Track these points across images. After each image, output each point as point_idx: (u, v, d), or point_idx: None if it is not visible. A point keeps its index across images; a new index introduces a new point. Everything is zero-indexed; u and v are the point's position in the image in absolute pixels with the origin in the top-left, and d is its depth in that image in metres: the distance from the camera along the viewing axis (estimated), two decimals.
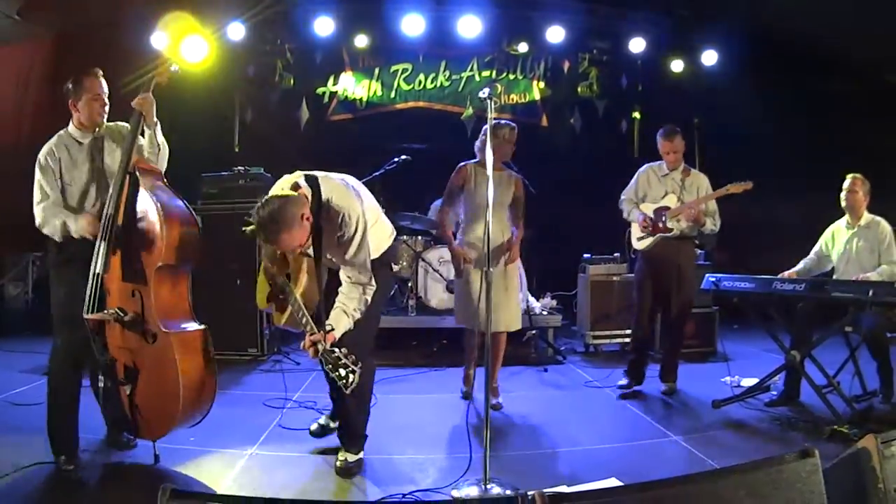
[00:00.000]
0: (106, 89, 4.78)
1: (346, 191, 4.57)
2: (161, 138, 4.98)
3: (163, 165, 5.01)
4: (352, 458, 4.82)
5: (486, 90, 4.98)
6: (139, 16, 9.57)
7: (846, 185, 6.78)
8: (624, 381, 7.01)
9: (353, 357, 4.04)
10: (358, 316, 4.47)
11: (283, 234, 4.11)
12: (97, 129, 4.80)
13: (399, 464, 5.01)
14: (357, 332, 4.54)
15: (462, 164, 6.55)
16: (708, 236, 7.97)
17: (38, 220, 4.64)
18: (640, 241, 7.03)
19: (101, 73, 4.77)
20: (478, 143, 6.48)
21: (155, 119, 4.86)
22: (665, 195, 6.92)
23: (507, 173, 6.49)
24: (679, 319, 6.97)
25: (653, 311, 7.09)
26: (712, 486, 2.39)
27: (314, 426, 5.41)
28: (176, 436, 4.80)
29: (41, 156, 4.65)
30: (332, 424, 5.36)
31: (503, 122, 6.47)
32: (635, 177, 7.19)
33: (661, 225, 6.83)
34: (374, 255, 4.71)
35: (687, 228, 6.80)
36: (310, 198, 4.36)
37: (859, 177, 6.75)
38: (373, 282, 4.56)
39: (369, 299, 4.55)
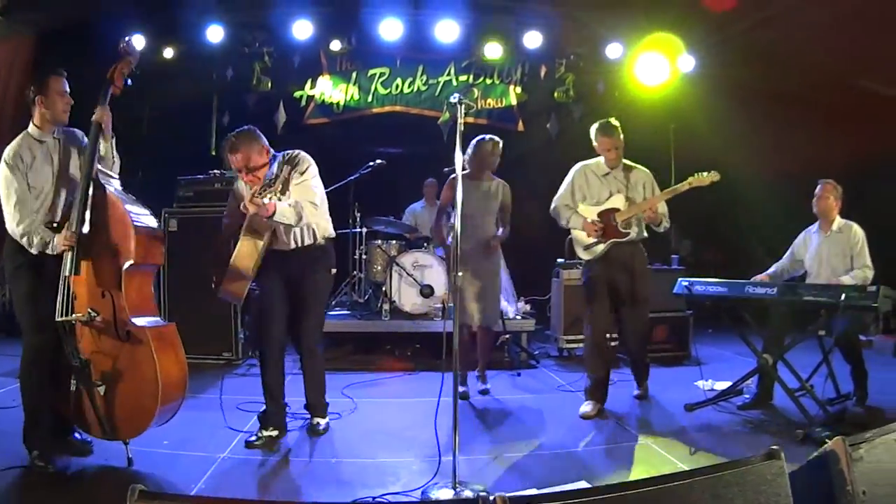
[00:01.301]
0: (68, 89, 4.85)
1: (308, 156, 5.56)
2: (115, 152, 5.06)
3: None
4: (322, 421, 5.81)
5: (457, 96, 4.96)
6: (120, 15, 9.55)
7: (817, 191, 6.82)
8: (587, 408, 6.40)
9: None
10: (299, 210, 5.13)
11: (243, 147, 5.19)
12: (55, 131, 4.83)
13: (371, 467, 5.00)
14: (318, 309, 5.78)
15: (452, 176, 6.58)
16: (682, 242, 7.98)
17: (12, 224, 4.62)
18: (588, 249, 6.54)
19: (64, 73, 4.85)
20: (467, 156, 6.68)
21: (111, 133, 4.92)
22: (610, 196, 6.48)
23: (496, 182, 6.75)
24: (639, 331, 6.69)
25: (608, 324, 6.61)
26: (676, 487, 2.38)
27: (253, 438, 5.39)
28: (149, 439, 4.80)
29: (7, 156, 4.66)
30: (265, 433, 5.43)
31: (487, 137, 6.74)
32: (569, 177, 6.68)
33: (613, 229, 6.39)
34: (319, 227, 5.59)
35: (641, 231, 6.50)
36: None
37: (830, 182, 6.79)
38: (318, 202, 5.41)
39: (309, 210, 5.23)
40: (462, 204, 6.36)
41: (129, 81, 5.06)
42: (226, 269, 5.18)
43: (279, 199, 4.93)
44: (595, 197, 6.52)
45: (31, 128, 4.78)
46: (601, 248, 6.44)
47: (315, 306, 5.68)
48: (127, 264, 4.62)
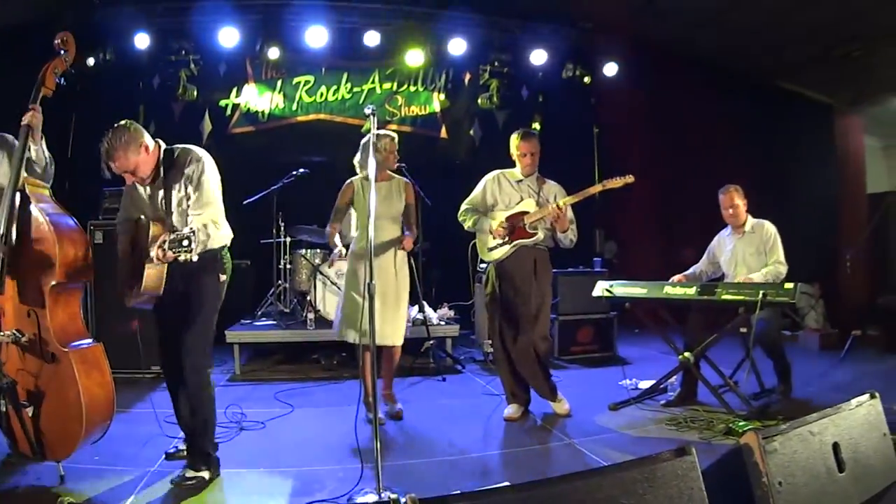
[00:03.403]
0: None
1: (203, 152, 4.90)
2: (47, 152, 4.91)
3: (50, 178, 4.95)
4: (190, 473, 4.75)
5: (371, 107, 5.06)
6: (50, 18, 9.38)
7: (722, 202, 6.94)
8: (509, 411, 6.42)
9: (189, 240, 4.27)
10: (204, 239, 4.54)
11: (119, 152, 4.56)
12: None
13: (297, 476, 4.96)
14: (202, 324, 4.80)
15: (348, 180, 6.50)
16: (607, 244, 8.04)
17: None
18: (492, 251, 6.45)
19: None
20: (358, 158, 6.51)
21: (41, 133, 4.77)
22: (521, 200, 6.43)
23: (396, 181, 6.47)
24: (542, 334, 6.41)
25: (511, 327, 6.38)
26: (587, 485, 2.41)
27: (171, 449, 5.31)
28: (80, 455, 4.70)
29: None
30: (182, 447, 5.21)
31: (381, 132, 6.34)
32: (482, 184, 6.64)
33: (521, 230, 6.31)
34: (218, 244, 4.82)
35: (549, 236, 6.39)
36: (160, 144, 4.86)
37: (731, 188, 6.90)
38: (220, 221, 4.77)
39: (214, 235, 4.65)
40: (361, 207, 6.34)
41: (63, 80, 4.94)
42: (131, 274, 4.82)
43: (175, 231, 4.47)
44: (505, 202, 6.48)
45: None
46: (506, 249, 6.39)
47: (198, 319, 4.77)
48: (52, 283, 4.45)
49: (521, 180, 6.49)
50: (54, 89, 4.87)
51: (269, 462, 5.20)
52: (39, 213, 4.53)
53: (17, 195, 4.50)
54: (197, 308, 4.80)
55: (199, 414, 4.82)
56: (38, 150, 4.79)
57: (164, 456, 5.20)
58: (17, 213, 4.49)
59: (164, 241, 4.28)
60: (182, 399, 4.88)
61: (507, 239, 6.35)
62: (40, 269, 4.47)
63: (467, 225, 6.64)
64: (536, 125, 12.21)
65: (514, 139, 6.52)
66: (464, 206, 6.68)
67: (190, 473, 4.73)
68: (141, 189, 4.89)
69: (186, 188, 4.73)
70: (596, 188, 6.26)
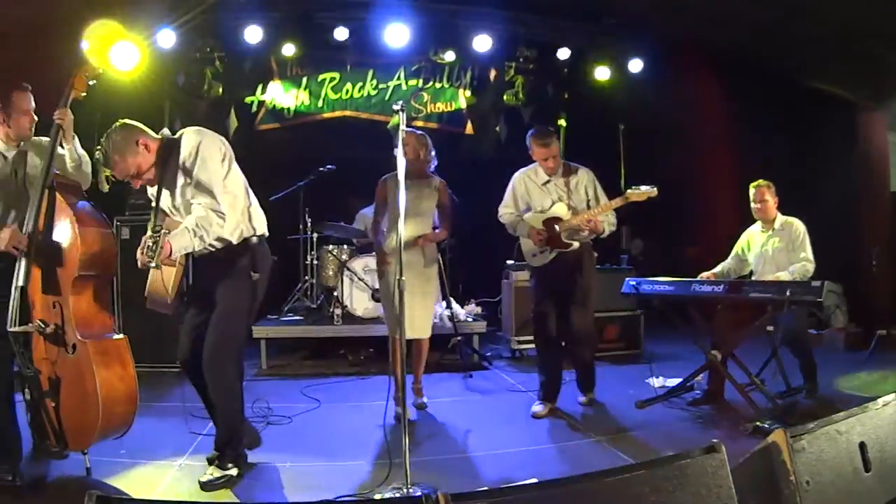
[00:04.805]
0: (34, 104, 4.70)
1: (203, 131, 4.60)
2: (81, 151, 4.92)
3: (87, 177, 4.99)
4: (218, 472, 4.66)
5: (400, 102, 5.00)
6: (70, 20, 9.43)
7: (752, 196, 6.88)
8: (538, 408, 6.45)
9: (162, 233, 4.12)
10: (199, 232, 4.32)
11: (114, 155, 4.35)
12: (20, 143, 4.73)
13: (324, 471, 5.01)
14: (224, 325, 4.61)
15: (383, 177, 6.50)
16: (633, 241, 8.02)
17: None
18: (535, 257, 6.51)
19: (29, 87, 4.70)
20: (398, 151, 6.45)
21: (73, 133, 4.79)
22: (552, 204, 6.42)
23: (429, 180, 6.45)
24: (586, 335, 6.62)
25: (555, 326, 6.48)
26: (616, 482, 2.41)
27: (211, 454, 5.05)
28: (107, 448, 4.77)
29: None
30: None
31: (408, 129, 6.03)
32: (510, 187, 6.68)
33: (558, 239, 6.32)
34: (233, 235, 4.60)
35: (585, 239, 6.41)
36: (159, 136, 4.57)
37: (763, 184, 6.86)
38: (223, 208, 4.42)
39: (216, 229, 4.39)
40: (391, 205, 6.34)
41: (94, 82, 4.95)
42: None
43: (169, 232, 4.23)
44: (538, 206, 6.49)
45: None
46: (549, 256, 6.41)
47: (222, 319, 4.63)
48: (75, 274, 4.51)
49: (547, 180, 6.48)
50: (85, 92, 4.88)
51: (296, 457, 5.24)
52: (66, 208, 4.59)
53: (46, 192, 4.54)
54: (221, 307, 4.65)
55: (222, 413, 4.77)
56: (72, 150, 4.82)
57: (206, 462, 5.00)
58: (46, 209, 4.55)
59: (144, 243, 4.15)
60: (206, 394, 4.83)
61: (546, 247, 6.36)
62: (63, 262, 4.55)
63: (509, 230, 6.69)
64: (562, 122, 12.17)
65: (531, 143, 6.47)
66: (500, 210, 6.71)
67: (217, 473, 4.67)
68: (150, 190, 4.76)
69: (185, 176, 4.48)
70: (617, 201, 6.18)
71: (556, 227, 6.32)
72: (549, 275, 6.48)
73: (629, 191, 6.14)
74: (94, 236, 4.64)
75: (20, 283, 4.41)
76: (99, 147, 4.43)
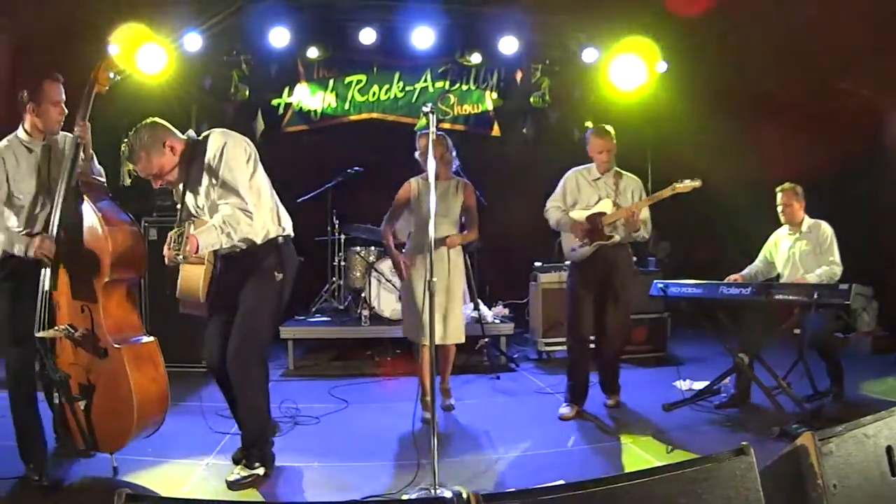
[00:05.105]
0: (64, 96, 4.68)
1: (229, 133, 4.63)
2: (99, 167, 4.99)
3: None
4: (245, 472, 4.71)
5: (429, 106, 4.96)
6: (99, 23, 9.52)
7: (779, 200, 6.90)
8: (565, 410, 6.47)
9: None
10: (227, 229, 4.35)
11: (139, 151, 4.38)
12: (45, 138, 4.69)
13: (351, 471, 5.04)
14: (249, 325, 4.64)
15: (408, 180, 6.54)
16: (660, 244, 8.01)
17: None
18: (574, 252, 6.54)
19: (61, 77, 4.68)
20: (417, 154, 6.51)
21: (91, 152, 4.84)
22: (598, 200, 6.51)
23: (454, 181, 6.48)
24: (619, 333, 6.67)
25: (590, 326, 6.55)
26: (645, 484, 2.42)
27: (237, 453, 5.13)
28: (133, 447, 4.79)
29: None
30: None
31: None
32: (562, 182, 6.74)
33: (599, 232, 6.40)
34: (258, 235, 4.64)
35: (625, 235, 6.45)
36: (185, 136, 4.62)
37: (788, 188, 6.86)
38: (250, 207, 4.45)
39: (244, 227, 4.43)
40: (418, 207, 6.36)
41: (117, 77, 4.96)
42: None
43: (195, 229, 4.26)
44: (585, 202, 6.55)
45: (20, 132, 4.65)
46: (587, 250, 6.44)
47: (247, 319, 4.66)
48: (105, 279, 4.51)
49: (598, 178, 6.57)
50: (107, 86, 4.86)
51: (324, 457, 5.29)
52: (93, 211, 4.59)
53: (72, 193, 4.55)
54: (245, 307, 4.67)
55: (248, 413, 4.78)
56: (88, 166, 4.84)
57: (232, 462, 5.08)
58: (71, 211, 4.56)
59: (170, 239, 4.17)
60: (231, 395, 4.85)
61: (586, 240, 6.41)
62: (93, 266, 4.54)
63: (552, 224, 6.72)
64: (589, 124, 12.14)
65: (590, 136, 6.61)
66: (548, 204, 6.74)
67: (245, 472, 4.71)
68: (175, 187, 4.78)
69: (210, 177, 4.51)
70: (666, 192, 6.27)
71: (599, 221, 6.40)
72: (587, 271, 6.51)
73: (676, 183, 6.23)
74: (124, 237, 4.66)
75: (46, 287, 4.43)
76: (126, 140, 4.47)
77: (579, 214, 6.53)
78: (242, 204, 4.43)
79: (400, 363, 8.67)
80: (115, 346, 4.47)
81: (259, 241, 4.65)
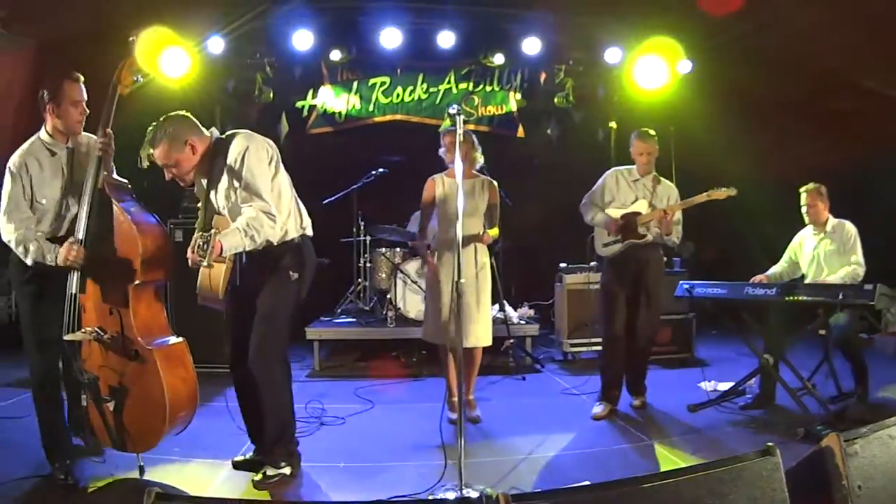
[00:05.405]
0: (85, 96, 4.70)
1: (252, 135, 4.65)
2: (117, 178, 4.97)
3: None
4: (271, 471, 4.72)
5: (455, 107, 5.01)
6: (123, 27, 9.59)
7: (803, 201, 6.90)
8: (598, 409, 6.52)
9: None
10: (251, 232, 4.35)
11: (161, 140, 4.41)
12: (69, 140, 4.72)
13: (378, 471, 5.07)
14: (268, 325, 4.66)
15: (431, 178, 6.53)
16: (685, 244, 8.00)
17: (4, 232, 4.55)
18: (606, 247, 6.67)
19: (81, 78, 4.69)
20: (442, 151, 6.48)
21: (112, 165, 4.87)
22: (635, 200, 6.62)
23: (480, 180, 6.46)
24: (647, 332, 6.70)
25: (623, 322, 6.56)
26: (673, 484, 2.44)
27: (239, 458, 5.18)
28: (160, 447, 4.79)
29: (12, 164, 4.59)
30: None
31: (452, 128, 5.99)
32: (601, 180, 6.83)
33: (633, 230, 6.50)
34: (275, 237, 4.62)
35: (658, 236, 6.53)
36: (209, 133, 4.66)
37: (812, 188, 6.85)
38: (273, 210, 4.46)
39: (267, 230, 4.43)
40: (444, 205, 6.36)
41: (140, 79, 5.00)
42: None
43: (219, 233, 4.24)
44: (621, 200, 6.65)
45: (42, 134, 4.67)
46: (618, 247, 6.55)
47: (265, 319, 4.69)
48: (135, 282, 4.53)
49: (637, 179, 6.67)
50: (130, 88, 4.88)
51: (350, 457, 5.31)
52: (121, 214, 4.60)
53: (98, 195, 4.56)
54: (263, 305, 4.70)
55: (272, 411, 4.76)
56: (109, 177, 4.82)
57: (230, 464, 5.12)
58: (99, 216, 4.58)
59: (195, 243, 4.19)
60: (251, 396, 4.81)
61: (619, 237, 6.50)
62: (123, 269, 4.55)
63: (586, 218, 6.81)
64: (613, 124, 12.14)
65: (633, 138, 6.74)
66: (584, 200, 6.83)
67: (271, 471, 4.72)
68: (199, 184, 4.78)
69: (232, 179, 4.51)
70: (701, 197, 6.38)
71: (634, 220, 6.51)
72: (621, 270, 6.61)
73: (711, 190, 6.33)
74: (154, 239, 4.67)
75: (73, 290, 4.46)
76: (153, 126, 4.49)
77: (615, 212, 6.61)
78: (266, 206, 4.44)
79: (425, 364, 8.68)
80: (148, 348, 4.49)
81: (276, 241, 4.66)
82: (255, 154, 4.52)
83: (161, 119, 4.49)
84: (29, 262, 4.51)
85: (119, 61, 4.85)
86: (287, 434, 4.91)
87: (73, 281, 4.46)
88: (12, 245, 4.53)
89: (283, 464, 4.79)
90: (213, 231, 4.20)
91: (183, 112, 4.62)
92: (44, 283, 4.59)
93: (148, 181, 5.09)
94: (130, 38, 4.95)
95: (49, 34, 9.60)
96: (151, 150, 4.46)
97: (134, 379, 4.52)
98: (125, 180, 5.01)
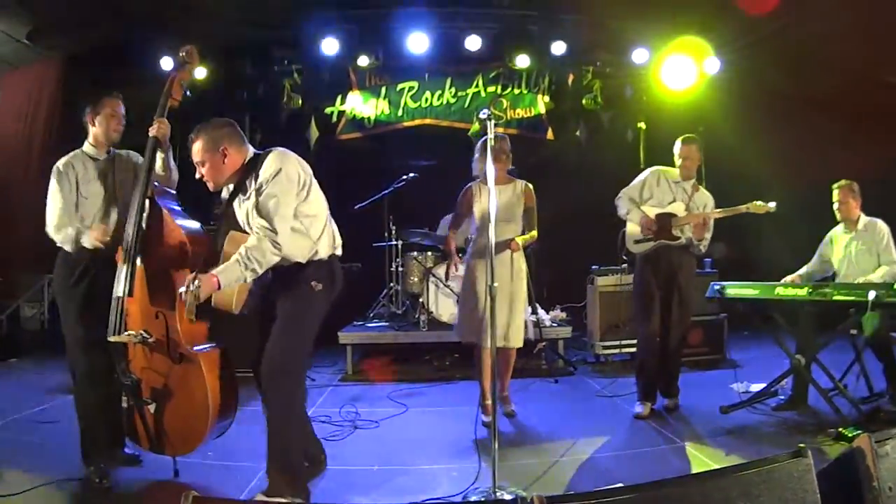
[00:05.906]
0: (123, 111, 5.01)
1: (287, 156, 4.51)
2: (173, 163, 5.10)
3: (173, 186, 5.15)
4: (260, 497, 4.40)
5: (485, 111, 4.92)
6: (147, 38, 9.71)
7: (835, 197, 6.86)
8: (640, 409, 6.55)
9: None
10: (252, 265, 4.23)
11: (198, 139, 4.42)
12: (110, 151, 5.00)
13: (412, 474, 5.09)
14: (285, 338, 4.50)
15: (467, 185, 6.57)
16: (715, 245, 7.98)
17: (50, 225, 4.78)
18: (638, 244, 6.73)
19: (120, 96, 5.01)
20: (473, 163, 6.52)
21: (168, 144, 4.95)
22: (673, 201, 6.64)
23: (515, 184, 6.49)
24: (679, 333, 6.68)
25: (659, 320, 6.58)
26: (705, 486, 2.46)
27: None
28: (194, 451, 4.81)
29: (59, 164, 4.88)
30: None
31: (497, 135, 6.08)
32: (642, 176, 6.84)
33: (667, 231, 6.54)
34: (304, 257, 4.57)
35: (688, 240, 6.53)
36: (247, 148, 4.58)
37: (844, 185, 6.81)
38: (280, 239, 4.29)
39: (269, 258, 4.28)
40: (481, 212, 6.40)
41: (189, 92, 5.12)
42: None
43: (199, 282, 4.12)
44: (659, 199, 6.68)
45: (85, 146, 4.98)
46: (649, 245, 6.60)
47: (282, 332, 4.54)
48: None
49: (678, 182, 6.68)
50: (181, 100, 5.02)
51: (384, 460, 5.34)
52: (171, 220, 4.69)
53: (147, 202, 4.68)
54: (281, 320, 4.58)
55: (274, 432, 4.53)
56: (165, 160, 4.97)
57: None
58: (148, 221, 4.68)
59: (187, 283, 4.13)
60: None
61: (652, 235, 6.55)
62: (172, 273, 4.63)
63: (621, 212, 6.85)
64: (642, 125, 12.14)
65: (677, 142, 6.73)
66: (621, 193, 6.85)
67: (260, 498, 4.41)
68: (224, 192, 4.70)
69: (257, 199, 4.38)
70: (741, 209, 6.40)
71: (669, 221, 6.55)
72: (650, 265, 6.65)
73: (752, 203, 6.34)
74: (202, 245, 4.73)
75: (119, 292, 4.54)
76: (202, 123, 4.52)
77: (650, 210, 6.63)
78: (273, 235, 4.29)
79: (458, 367, 8.72)
80: (193, 351, 4.54)
81: (304, 260, 4.57)
82: (286, 178, 4.39)
83: (212, 119, 4.57)
84: (69, 247, 4.74)
85: (141, 73, 5.02)
86: (288, 462, 4.56)
87: (121, 283, 4.55)
88: (52, 234, 4.79)
89: (276, 496, 4.38)
90: (195, 282, 4.13)
91: (230, 121, 4.61)
92: (92, 286, 4.75)
93: (176, 189, 5.16)
94: (181, 53, 5.07)
95: (74, 46, 9.75)
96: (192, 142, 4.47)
97: (178, 382, 4.57)
98: (176, 176, 5.18)
